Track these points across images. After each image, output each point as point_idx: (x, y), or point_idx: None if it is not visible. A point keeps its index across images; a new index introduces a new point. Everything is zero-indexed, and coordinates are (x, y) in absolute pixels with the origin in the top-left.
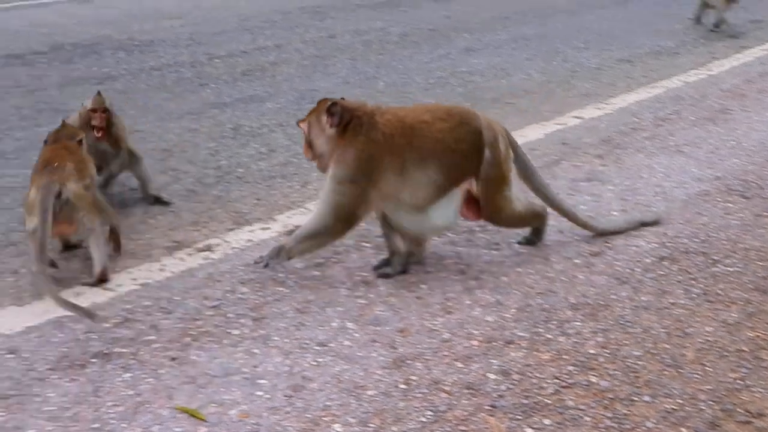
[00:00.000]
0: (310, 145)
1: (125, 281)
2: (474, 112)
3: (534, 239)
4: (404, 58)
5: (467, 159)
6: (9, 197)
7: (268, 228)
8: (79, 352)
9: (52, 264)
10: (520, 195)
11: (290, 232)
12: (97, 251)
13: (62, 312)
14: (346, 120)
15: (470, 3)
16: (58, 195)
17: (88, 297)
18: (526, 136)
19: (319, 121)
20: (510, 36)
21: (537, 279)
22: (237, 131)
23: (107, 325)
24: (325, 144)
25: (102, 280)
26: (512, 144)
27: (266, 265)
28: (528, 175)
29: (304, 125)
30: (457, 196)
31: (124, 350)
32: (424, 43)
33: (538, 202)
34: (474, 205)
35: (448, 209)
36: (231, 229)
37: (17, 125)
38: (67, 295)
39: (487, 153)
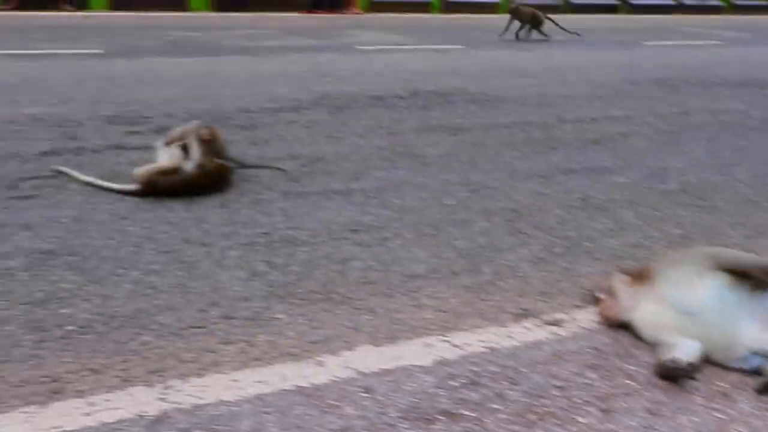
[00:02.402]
0: None
1: (473, 341)
2: None
3: None
4: (767, 145)
5: None
6: (368, 234)
7: None
8: (428, 406)
9: None
10: None
11: None
12: None
13: (414, 360)
14: None
15: None
16: None
17: (438, 350)
18: None
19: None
20: None
21: None
22: (585, 202)
23: (455, 383)
24: None
25: None
26: None
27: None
28: None
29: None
30: None
31: (470, 414)
32: None
33: None
34: None
35: None
36: (579, 306)
37: (378, 165)
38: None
39: None
